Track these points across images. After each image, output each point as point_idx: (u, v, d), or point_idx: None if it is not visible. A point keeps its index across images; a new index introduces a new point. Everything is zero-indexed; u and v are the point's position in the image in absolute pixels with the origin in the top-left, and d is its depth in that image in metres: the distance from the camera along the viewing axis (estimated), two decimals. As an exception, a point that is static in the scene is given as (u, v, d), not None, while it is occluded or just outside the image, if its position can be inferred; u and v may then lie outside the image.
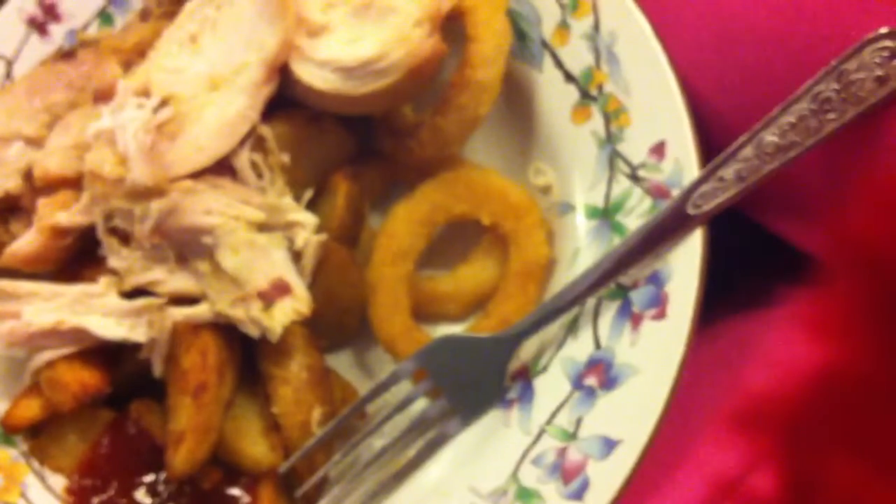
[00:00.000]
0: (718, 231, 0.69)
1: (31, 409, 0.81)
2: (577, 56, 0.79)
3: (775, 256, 0.76)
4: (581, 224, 0.80)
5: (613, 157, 0.76)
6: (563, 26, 0.79)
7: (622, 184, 0.76)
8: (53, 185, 0.81)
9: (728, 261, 0.69)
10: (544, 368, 0.76)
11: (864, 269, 0.61)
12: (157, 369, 0.79)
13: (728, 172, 0.67)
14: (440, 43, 0.77)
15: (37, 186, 0.82)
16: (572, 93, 0.80)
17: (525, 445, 0.73)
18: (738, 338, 0.74)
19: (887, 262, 0.59)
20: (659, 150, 0.72)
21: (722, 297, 0.70)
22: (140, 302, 0.78)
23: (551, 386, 0.74)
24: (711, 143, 0.70)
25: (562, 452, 0.70)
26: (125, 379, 0.81)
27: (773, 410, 0.63)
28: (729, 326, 0.76)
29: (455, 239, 0.86)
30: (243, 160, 0.78)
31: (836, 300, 0.62)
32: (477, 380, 0.78)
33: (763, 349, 0.71)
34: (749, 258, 0.78)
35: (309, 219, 0.79)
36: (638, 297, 0.71)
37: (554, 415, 0.73)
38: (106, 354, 0.80)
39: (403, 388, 0.79)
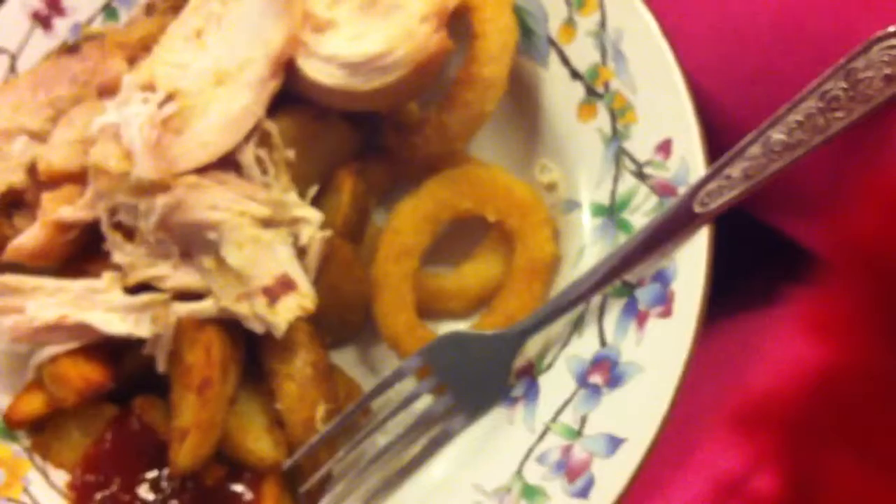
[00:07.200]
0: (720, 229, 0.69)
1: (34, 405, 0.81)
2: (583, 53, 0.78)
3: (777, 255, 0.76)
4: (586, 221, 0.79)
5: (619, 155, 0.76)
6: (570, 23, 0.79)
7: (628, 181, 0.75)
8: (57, 180, 0.81)
9: (730, 259, 0.69)
10: (549, 366, 0.76)
11: (869, 268, 0.60)
12: (161, 365, 0.79)
13: (735, 170, 0.67)
14: (446, 39, 0.76)
15: (41, 181, 0.81)
16: (578, 90, 0.79)
17: (530, 443, 0.73)
18: (740, 337, 0.74)
19: (892, 262, 0.59)
20: (665, 147, 0.72)
21: (724, 296, 0.70)
22: (144, 297, 0.78)
23: (556, 383, 0.74)
24: (718, 140, 0.70)
25: (567, 450, 0.70)
26: (128, 374, 0.81)
27: (775, 410, 0.63)
28: (731, 325, 0.75)
29: (460, 236, 0.86)
30: (248, 156, 0.78)
31: (840, 299, 0.62)
32: (481, 377, 0.78)
33: (765, 348, 0.71)
34: (750, 256, 0.78)
35: (314, 215, 0.79)
36: (643, 294, 0.71)
37: (559, 412, 0.73)
38: (109, 350, 0.80)
39: (407, 384, 0.79)
